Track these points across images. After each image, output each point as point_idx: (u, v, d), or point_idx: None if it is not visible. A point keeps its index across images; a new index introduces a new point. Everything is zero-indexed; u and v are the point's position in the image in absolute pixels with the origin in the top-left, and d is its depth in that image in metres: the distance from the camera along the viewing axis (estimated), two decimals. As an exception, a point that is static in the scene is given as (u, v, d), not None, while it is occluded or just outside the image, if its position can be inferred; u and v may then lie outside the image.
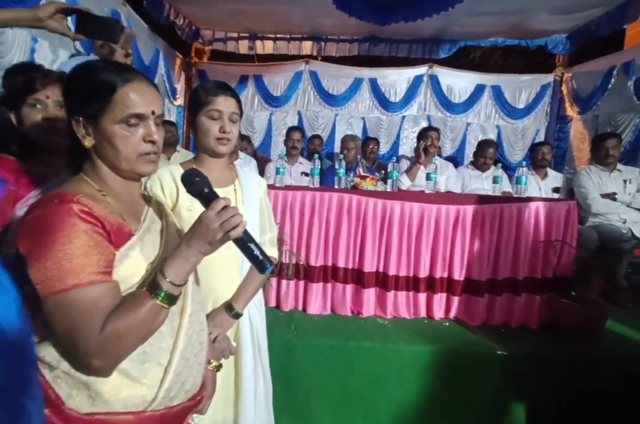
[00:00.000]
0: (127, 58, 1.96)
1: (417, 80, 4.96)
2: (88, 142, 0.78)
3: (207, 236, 0.72)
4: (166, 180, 1.19)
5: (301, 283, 2.26)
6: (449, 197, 2.37)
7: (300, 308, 2.26)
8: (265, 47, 4.84)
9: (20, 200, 1.01)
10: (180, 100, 4.62)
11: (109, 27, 1.10)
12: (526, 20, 4.16)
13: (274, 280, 2.24)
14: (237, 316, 1.18)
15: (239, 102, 1.23)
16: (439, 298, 2.25)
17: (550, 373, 1.85)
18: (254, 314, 1.29)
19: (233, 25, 4.65)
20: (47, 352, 0.72)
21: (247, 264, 1.25)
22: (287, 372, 1.85)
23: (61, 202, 0.70)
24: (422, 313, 2.26)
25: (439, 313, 2.25)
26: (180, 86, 4.66)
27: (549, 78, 4.89)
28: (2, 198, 0.96)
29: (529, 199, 2.30)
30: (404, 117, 5.01)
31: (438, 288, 2.24)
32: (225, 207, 0.73)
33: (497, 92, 5.02)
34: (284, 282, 2.24)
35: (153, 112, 0.79)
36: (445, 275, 2.25)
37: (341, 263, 2.24)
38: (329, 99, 4.91)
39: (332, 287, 2.26)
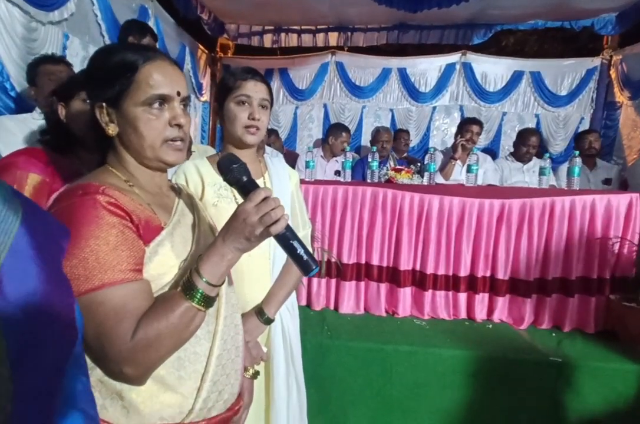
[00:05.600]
0: None
1: (449, 68, 4.71)
2: (112, 130, 0.71)
3: (245, 231, 0.64)
4: (191, 175, 1.12)
5: (333, 281, 2.16)
6: (492, 191, 2.20)
7: (332, 307, 2.16)
8: (290, 39, 4.73)
9: (54, 192, 0.98)
10: (206, 96, 4.60)
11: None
12: (571, 0, 3.84)
13: (304, 278, 2.15)
14: (269, 321, 1.10)
15: (269, 88, 1.14)
16: (481, 299, 2.09)
17: (610, 384, 1.67)
18: (286, 318, 1.20)
19: (258, 18, 4.57)
20: None
21: (278, 265, 1.16)
22: (321, 376, 1.76)
23: (85, 193, 0.64)
24: (463, 314, 2.11)
25: (481, 314, 2.10)
26: (205, 82, 4.63)
27: (595, 62, 4.53)
28: (37, 190, 0.91)
29: (583, 192, 2.10)
30: (434, 108, 4.78)
31: (480, 287, 2.08)
32: (265, 199, 0.64)
33: (537, 79, 4.71)
34: (314, 280, 2.15)
35: (179, 93, 0.71)
36: (488, 273, 2.09)
37: (375, 261, 2.12)
38: (356, 91, 4.76)
39: (366, 286, 2.15)
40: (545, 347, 1.83)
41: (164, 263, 0.69)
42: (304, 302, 2.17)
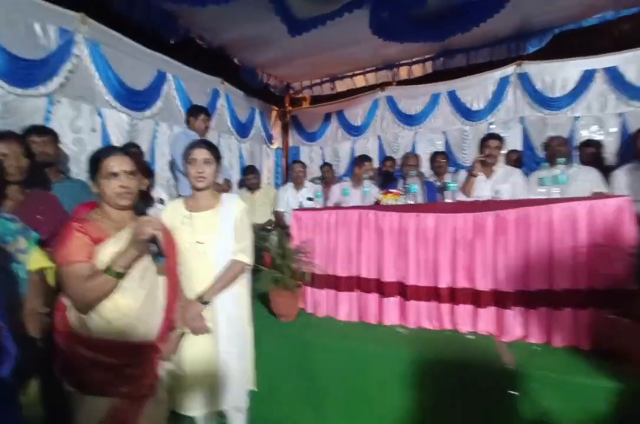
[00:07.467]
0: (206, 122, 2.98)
1: (503, 82, 4.62)
2: (95, 191, 1.42)
3: (135, 237, 1.30)
4: (172, 207, 1.82)
5: (332, 292, 2.53)
6: (468, 206, 2.30)
7: (332, 315, 2.52)
8: (345, 84, 5.40)
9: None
10: (277, 143, 5.59)
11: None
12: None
13: (308, 289, 2.58)
14: (205, 302, 1.66)
15: (211, 149, 1.77)
16: (463, 310, 2.17)
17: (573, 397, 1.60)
18: (229, 304, 1.73)
19: (315, 73, 5.41)
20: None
21: (220, 264, 1.71)
22: (307, 368, 2.14)
23: (72, 223, 1.35)
24: (447, 324, 2.21)
25: (464, 325, 2.16)
26: (276, 132, 5.64)
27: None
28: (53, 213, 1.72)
29: (565, 200, 2.04)
30: (491, 124, 4.69)
31: (460, 299, 2.17)
32: (146, 221, 1.31)
33: (614, 75, 4.22)
34: (315, 291, 2.56)
35: (124, 171, 1.39)
36: (468, 285, 2.17)
37: (364, 274, 2.43)
38: (407, 119, 5.05)
39: (359, 296, 2.46)
40: (519, 359, 1.83)
41: (107, 256, 1.34)
42: (311, 309, 2.59)
